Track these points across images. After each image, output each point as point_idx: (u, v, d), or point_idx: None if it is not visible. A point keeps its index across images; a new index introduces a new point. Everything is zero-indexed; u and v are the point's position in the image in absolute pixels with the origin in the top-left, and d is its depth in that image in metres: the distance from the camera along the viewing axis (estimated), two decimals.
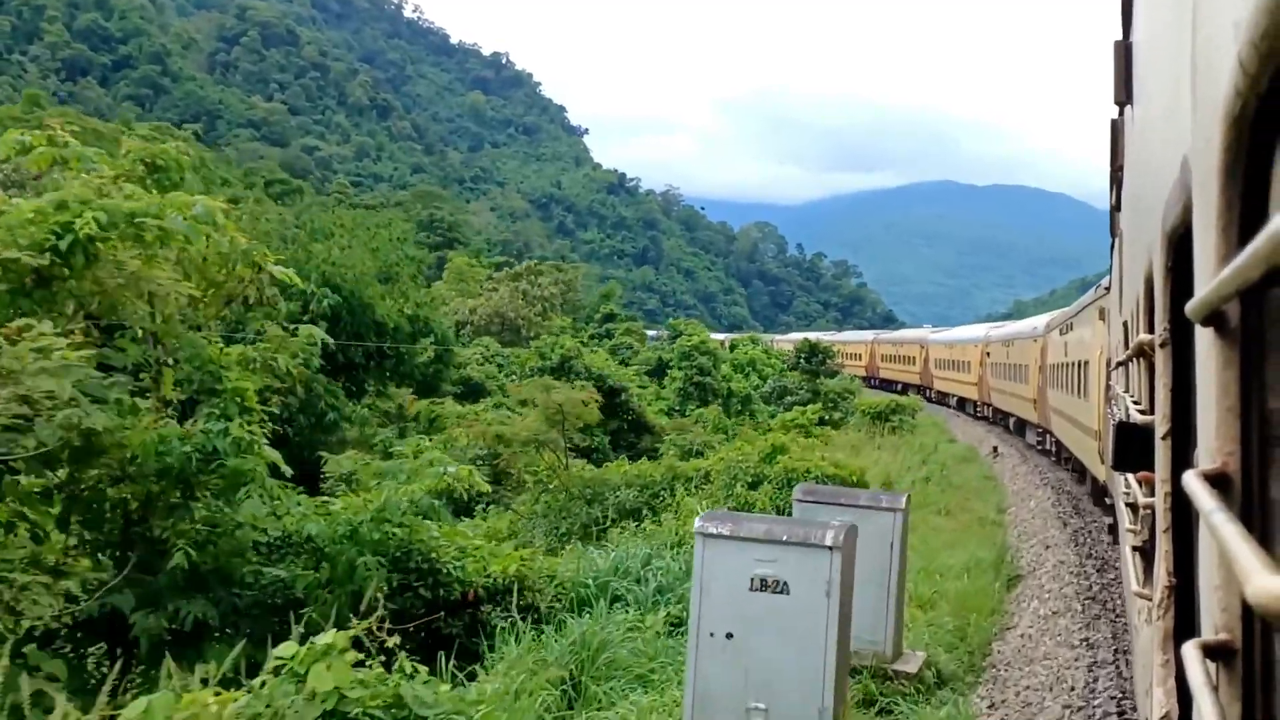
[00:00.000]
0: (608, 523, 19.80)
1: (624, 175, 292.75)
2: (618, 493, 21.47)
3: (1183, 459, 3.16)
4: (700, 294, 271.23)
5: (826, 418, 40.85)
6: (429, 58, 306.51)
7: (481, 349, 54.45)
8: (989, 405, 39.56)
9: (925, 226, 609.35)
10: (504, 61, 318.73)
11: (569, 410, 27.06)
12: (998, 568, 15.84)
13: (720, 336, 75.06)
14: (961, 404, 46.55)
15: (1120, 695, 10.06)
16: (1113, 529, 16.29)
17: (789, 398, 47.97)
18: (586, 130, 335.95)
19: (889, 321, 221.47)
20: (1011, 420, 35.75)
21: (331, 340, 18.90)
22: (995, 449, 33.64)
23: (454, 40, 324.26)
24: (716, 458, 22.49)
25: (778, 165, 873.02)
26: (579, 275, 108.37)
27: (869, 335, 70.47)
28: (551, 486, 22.89)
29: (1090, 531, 19.00)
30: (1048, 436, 28.67)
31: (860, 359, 65.55)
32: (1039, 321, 30.42)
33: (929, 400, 50.71)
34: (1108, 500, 16.17)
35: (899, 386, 57.13)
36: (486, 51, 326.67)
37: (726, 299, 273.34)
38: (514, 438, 27.29)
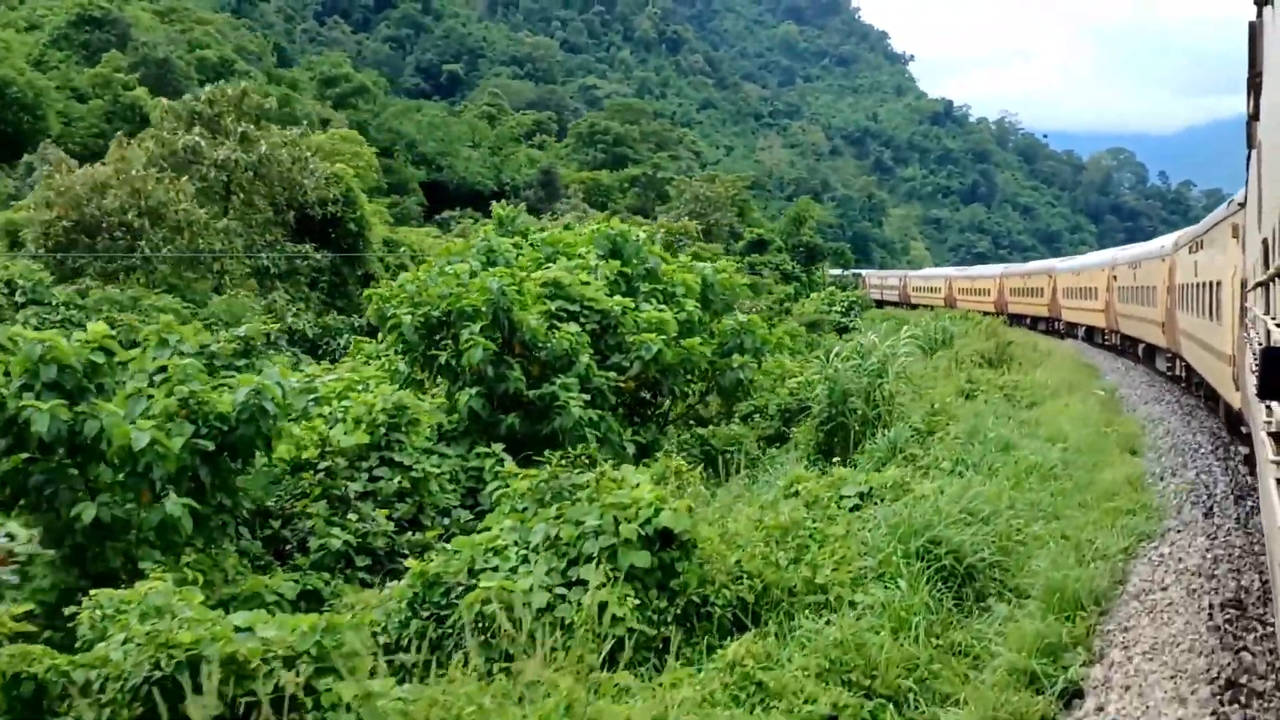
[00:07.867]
0: None
1: (950, 103, 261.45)
2: None
3: None
4: (1040, 233, 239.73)
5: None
6: None
7: None
8: (1116, 332, 37.73)
9: None
10: None
11: None
12: None
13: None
14: (1090, 334, 43.60)
15: None
16: (1248, 459, 14.17)
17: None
18: (912, 57, 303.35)
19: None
20: (1140, 347, 33.48)
21: None
22: None
23: None
24: None
25: (1143, 93, 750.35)
26: (731, 185, 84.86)
27: (997, 269, 67.89)
28: None
29: None
30: (1177, 361, 26.58)
31: (989, 294, 62.16)
32: (1167, 240, 28.15)
33: (1059, 334, 45.78)
34: (1243, 429, 14.51)
35: (1028, 321, 53.93)
36: None
37: (1073, 238, 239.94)
38: None
